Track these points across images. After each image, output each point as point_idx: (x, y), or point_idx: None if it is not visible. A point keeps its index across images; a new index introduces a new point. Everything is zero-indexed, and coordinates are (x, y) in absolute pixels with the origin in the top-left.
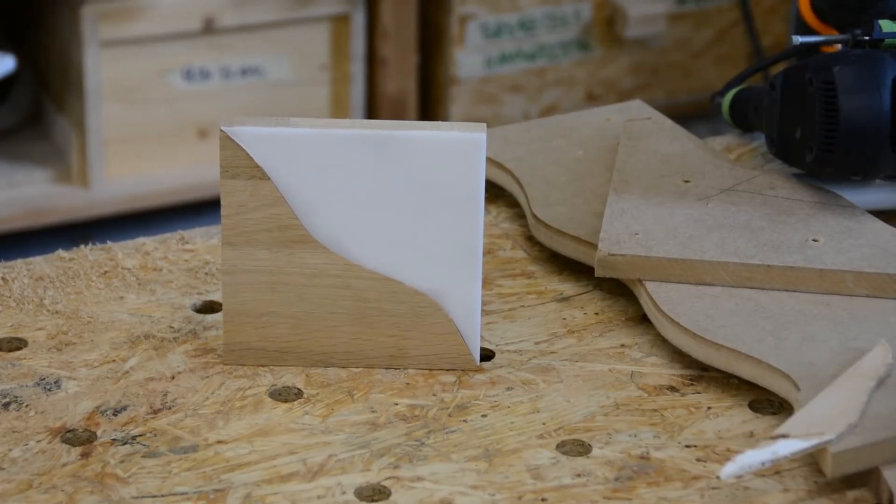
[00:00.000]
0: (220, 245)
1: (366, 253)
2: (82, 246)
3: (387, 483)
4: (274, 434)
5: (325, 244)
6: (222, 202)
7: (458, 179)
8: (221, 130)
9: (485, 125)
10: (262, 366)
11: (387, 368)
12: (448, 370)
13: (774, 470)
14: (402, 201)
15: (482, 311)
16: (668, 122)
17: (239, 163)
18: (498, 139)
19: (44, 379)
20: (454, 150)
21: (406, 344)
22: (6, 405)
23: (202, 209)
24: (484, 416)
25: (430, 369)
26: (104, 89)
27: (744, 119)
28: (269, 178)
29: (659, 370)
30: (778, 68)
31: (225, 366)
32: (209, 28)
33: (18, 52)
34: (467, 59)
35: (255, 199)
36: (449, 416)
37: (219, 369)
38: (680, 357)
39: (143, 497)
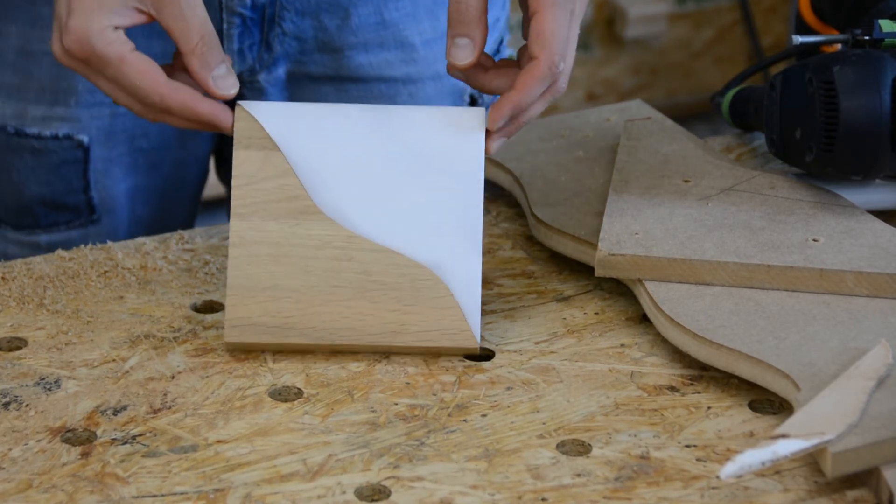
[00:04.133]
0: (220, 245)
1: (369, 225)
2: (82, 245)
3: (387, 483)
4: (274, 434)
5: (330, 216)
6: (234, 172)
7: (458, 151)
8: (238, 104)
9: (483, 109)
10: (263, 343)
11: (388, 348)
12: (448, 354)
13: (774, 470)
14: (405, 173)
15: (482, 311)
16: (668, 122)
17: (253, 134)
18: None
19: (44, 378)
20: (455, 121)
21: (407, 319)
22: (6, 405)
23: (202, 209)
24: (484, 415)
25: (431, 346)
26: None
27: (744, 119)
28: (279, 150)
29: (659, 370)
30: (778, 68)
31: (225, 365)
32: None
33: None
34: None
35: (265, 170)
36: (449, 415)
37: (219, 369)
38: (680, 357)
39: (143, 497)
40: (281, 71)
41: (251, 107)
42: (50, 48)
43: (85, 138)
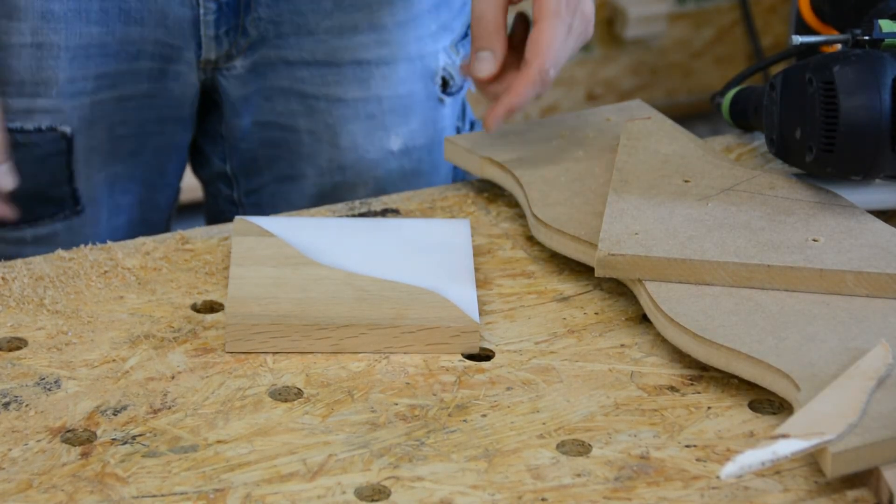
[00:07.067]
0: (219, 244)
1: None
2: (82, 246)
3: (387, 483)
4: (274, 434)
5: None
6: (233, 250)
7: (449, 241)
8: (237, 218)
9: (468, 221)
10: (263, 329)
11: (388, 337)
12: (448, 343)
13: (774, 470)
14: (400, 257)
15: (482, 311)
16: (668, 122)
17: (250, 228)
18: (498, 139)
19: (44, 379)
20: (443, 225)
21: (406, 312)
22: (6, 405)
23: (202, 209)
24: (484, 415)
25: (431, 328)
26: None
27: (744, 119)
28: (275, 236)
29: (659, 370)
30: (778, 68)
31: (225, 365)
32: None
33: None
34: None
35: (262, 245)
36: (449, 415)
37: (219, 369)
38: (680, 357)
39: (143, 497)
40: (257, 56)
41: (250, 219)
42: (26, 39)
43: (68, 129)
